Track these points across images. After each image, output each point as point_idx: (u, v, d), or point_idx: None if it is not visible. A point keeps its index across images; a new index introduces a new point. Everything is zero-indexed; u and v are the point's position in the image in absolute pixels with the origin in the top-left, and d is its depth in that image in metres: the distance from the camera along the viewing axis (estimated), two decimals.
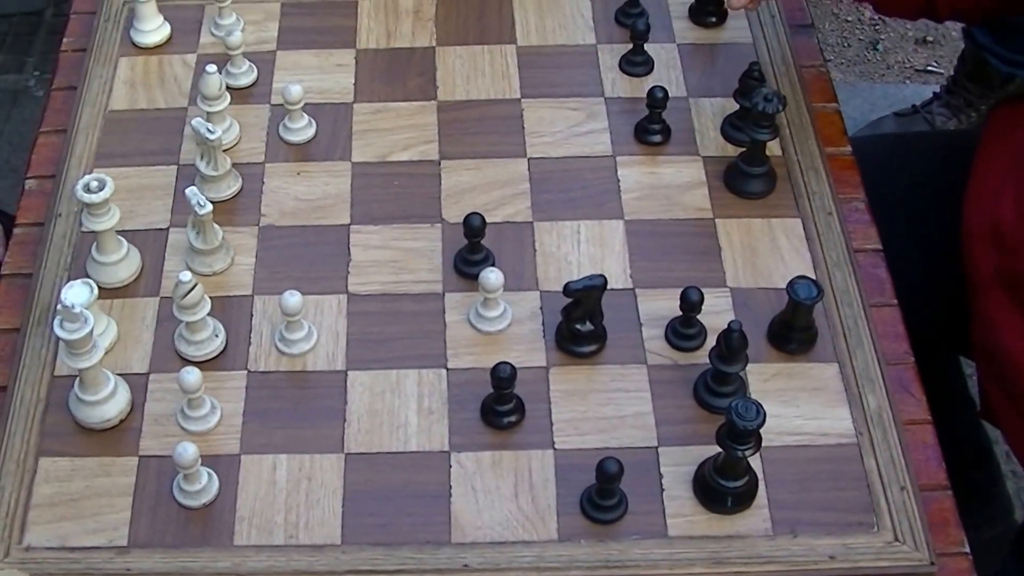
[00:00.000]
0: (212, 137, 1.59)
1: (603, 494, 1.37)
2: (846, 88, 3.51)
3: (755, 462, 1.40)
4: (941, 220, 1.87)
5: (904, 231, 1.91)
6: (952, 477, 1.46)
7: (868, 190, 1.73)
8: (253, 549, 1.37)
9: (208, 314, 1.50)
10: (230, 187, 1.67)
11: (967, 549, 1.39)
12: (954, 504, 1.43)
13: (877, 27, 3.73)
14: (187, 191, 1.54)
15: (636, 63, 1.82)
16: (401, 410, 1.47)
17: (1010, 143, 1.77)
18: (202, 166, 1.64)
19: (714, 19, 1.89)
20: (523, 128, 1.76)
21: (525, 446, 1.44)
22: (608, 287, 1.49)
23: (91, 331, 1.39)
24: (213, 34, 1.88)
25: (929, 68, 3.67)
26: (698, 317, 1.52)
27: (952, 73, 3.34)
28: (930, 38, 3.72)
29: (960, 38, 3.34)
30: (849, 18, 3.74)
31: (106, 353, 1.48)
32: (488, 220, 1.57)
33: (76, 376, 1.45)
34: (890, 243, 1.68)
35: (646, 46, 1.83)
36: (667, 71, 1.84)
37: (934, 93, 3.33)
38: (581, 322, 1.49)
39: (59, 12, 3.68)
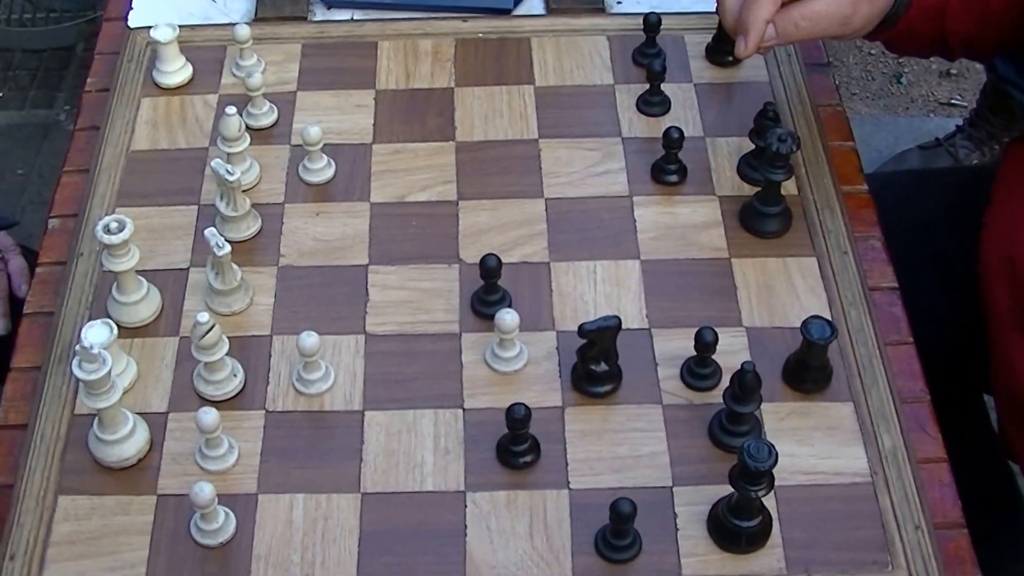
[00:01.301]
0: (231, 179, 1.61)
1: (617, 534, 1.37)
2: (871, 121, 3.53)
3: (769, 501, 1.40)
4: (961, 257, 1.87)
5: (925, 267, 1.92)
6: (975, 512, 1.46)
7: (889, 226, 1.73)
8: None
9: (226, 354, 1.51)
10: (249, 227, 1.68)
11: None
12: (970, 543, 1.43)
13: (901, 60, 3.74)
14: (206, 232, 1.56)
15: (653, 103, 1.83)
16: (417, 450, 1.48)
17: None
18: (222, 206, 1.66)
19: (731, 58, 1.89)
20: (540, 168, 1.77)
21: (540, 486, 1.45)
22: (624, 327, 1.49)
23: (109, 371, 1.40)
24: (234, 75, 1.89)
25: (953, 101, 3.69)
26: (713, 357, 1.52)
27: (975, 106, 3.35)
28: (954, 71, 3.73)
29: (983, 71, 3.35)
30: (873, 51, 3.76)
31: (125, 392, 1.49)
32: (505, 260, 1.58)
33: (95, 415, 1.46)
34: (911, 279, 1.68)
35: (663, 86, 1.83)
36: (684, 110, 1.84)
37: (957, 126, 3.35)
38: (596, 362, 1.50)
39: (89, 47, 3.71)
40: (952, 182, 2.25)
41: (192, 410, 1.47)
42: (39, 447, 1.49)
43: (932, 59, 3.71)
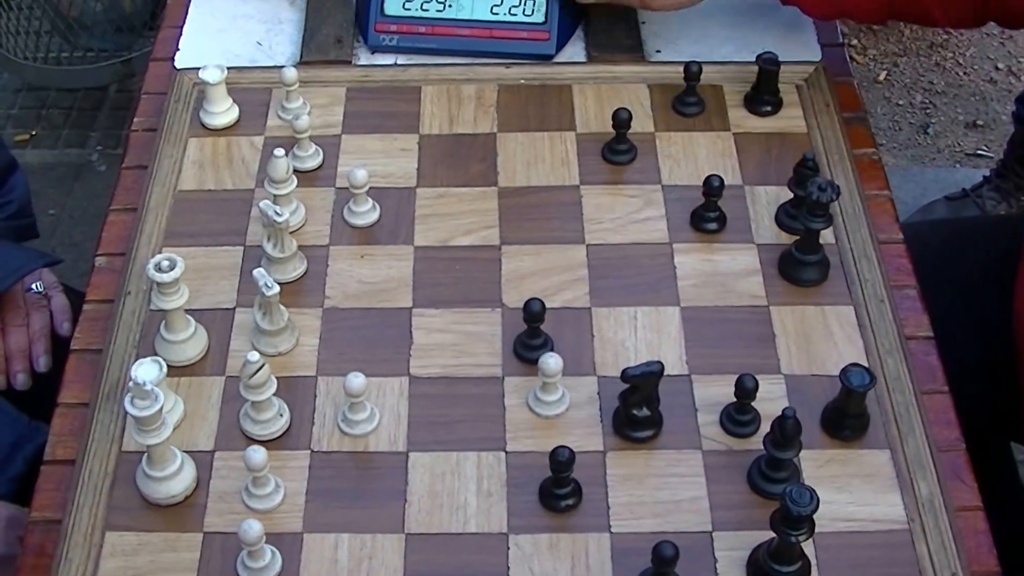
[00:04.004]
0: (279, 220, 1.63)
1: None
2: (898, 172, 3.54)
3: (808, 547, 1.41)
4: (995, 306, 1.88)
5: (958, 317, 1.93)
6: (1005, 561, 1.47)
7: (922, 276, 1.74)
8: None
9: (273, 394, 1.53)
10: (296, 269, 1.70)
11: None
12: None
13: (928, 111, 3.76)
14: (255, 273, 1.58)
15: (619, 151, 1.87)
16: (461, 492, 1.49)
17: None
18: (268, 248, 1.68)
19: (769, 108, 1.92)
20: (582, 214, 1.78)
21: (582, 529, 1.46)
22: (664, 373, 1.51)
23: (161, 408, 1.42)
24: (280, 117, 1.91)
25: (979, 152, 3.70)
26: (752, 404, 1.54)
27: (1002, 157, 3.36)
28: (980, 122, 3.75)
29: (1010, 122, 3.37)
30: (900, 102, 3.77)
31: (173, 430, 1.51)
32: (547, 305, 1.59)
33: (143, 452, 1.48)
34: (944, 328, 1.69)
35: (700, 134, 1.87)
36: (723, 159, 1.86)
37: (984, 177, 3.36)
38: (638, 407, 1.51)
39: (123, 88, 3.75)
40: (987, 233, 2.26)
41: (238, 449, 1.49)
42: (87, 483, 1.51)
43: (959, 110, 3.74)
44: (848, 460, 1.52)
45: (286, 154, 1.72)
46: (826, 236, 1.71)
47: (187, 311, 1.62)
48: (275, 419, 1.54)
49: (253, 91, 1.97)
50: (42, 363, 1.99)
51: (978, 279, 2.02)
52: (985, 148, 3.71)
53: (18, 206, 2.15)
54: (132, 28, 3.74)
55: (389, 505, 1.48)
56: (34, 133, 3.76)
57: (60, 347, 1.93)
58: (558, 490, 1.47)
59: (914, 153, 3.68)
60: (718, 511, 1.48)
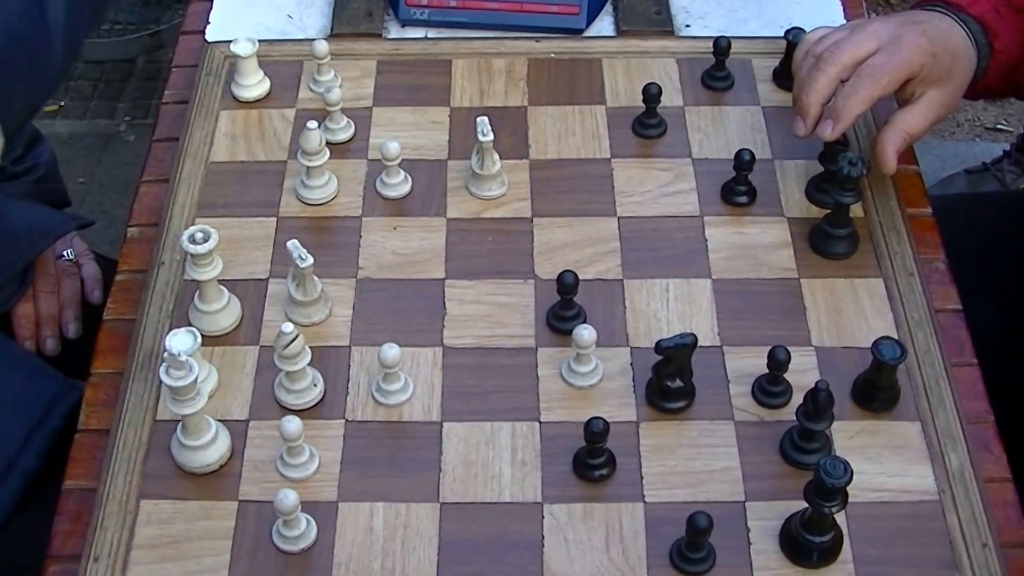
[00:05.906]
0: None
1: (693, 547, 1.39)
2: (917, 145, 3.52)
3: (840, 517, 1.42)
4: (1017, 279, 1.89)
5: (980, 290, 1.93)
6: None
7: (945, 249, 1.75)
8: None
9: (308, 364, 1.54)
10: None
11: None
12: None
13: None
14: (288, 244, 1.58)
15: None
16: (495, 461, 1.50)
17: None
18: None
19: None
20: (613, 187, 1.79)
21: (616, 499, 1.47)
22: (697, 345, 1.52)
23: (196, 378, 1.43)
24: (312, 90, 1.92)
25: (999, 126, 3.69)
26: (784, 375, 1.54)
27: (1022, 131, 3.36)
28: None
29: None
30: None
31: (208, 400, 1.52)
32: (580, 277, 1.60)
33: (178, 421, 1.49)
34: (966, 301, 1.70)
35: (731, 108, 1.87)
36: (752, 133, 1.87)
37: (1004, 151, 3.35)
38: (671, 379, 1.52)
39: (151, 60, 3.76)
40: (1008, 206, 2.26)
41: (272, 418, 1.51)
42: (121, 452, 1.52)
43: None
44: (878, 431, 1.53)
45: (318, 126, 1.73)
46: (855, 210, 1.72)
47: (221, 281, 1.63)
48: (309, 389, 1.55)
49: (284, 64, 1.97)
50: (72, 329, 2.00)
51: (1000, 253, 2.02)
52: (1005, 122, 3.70)
53: (45, 170, 2.16)
54: (159, 1, 3.75)
55: (424, 474, 1.49)
56: (62, 104, 3.77)
57: (91, 315, 1.95)
58: (592, 460, 1.48)
59: (933, 127, 3.67)
60: (751, 481, 1.48)
